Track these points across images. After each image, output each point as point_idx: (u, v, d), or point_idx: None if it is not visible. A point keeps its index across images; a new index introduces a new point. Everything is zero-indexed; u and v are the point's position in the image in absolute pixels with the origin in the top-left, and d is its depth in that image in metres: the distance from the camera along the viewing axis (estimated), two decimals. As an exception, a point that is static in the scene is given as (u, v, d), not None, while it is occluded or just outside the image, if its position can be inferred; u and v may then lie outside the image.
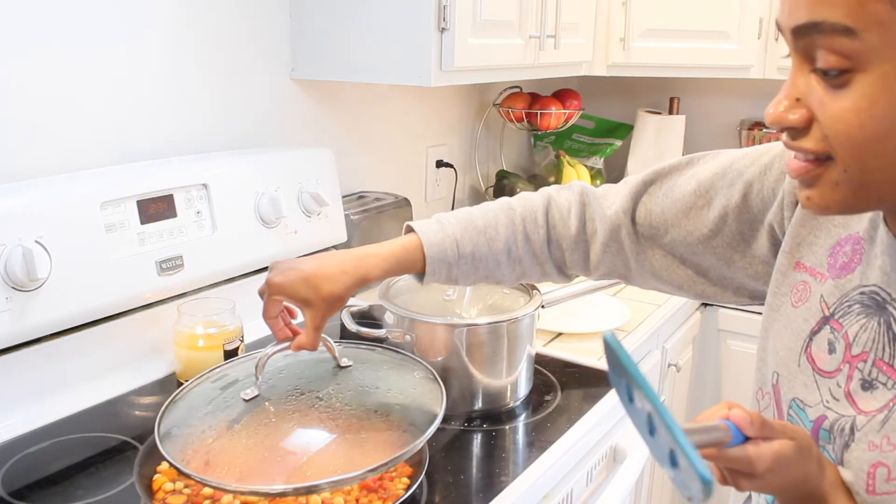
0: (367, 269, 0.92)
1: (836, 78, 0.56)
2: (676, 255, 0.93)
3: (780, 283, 0.78)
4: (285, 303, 0.95)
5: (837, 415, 0.68)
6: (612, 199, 0.96)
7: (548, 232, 0.98)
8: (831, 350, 0.70)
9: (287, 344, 0.95)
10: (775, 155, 0.82)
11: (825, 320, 0.71)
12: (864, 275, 0.69)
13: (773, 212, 0.81)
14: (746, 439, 0.62)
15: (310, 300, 0.91)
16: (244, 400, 0.92)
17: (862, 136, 0.56)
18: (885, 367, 0.65)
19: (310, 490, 0.81)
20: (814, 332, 0.72)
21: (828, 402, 0.69)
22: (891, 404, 0.64)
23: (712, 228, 0.88)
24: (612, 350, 0.60)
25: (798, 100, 0.59)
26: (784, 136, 0.61)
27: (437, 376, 0.97)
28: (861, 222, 0.71)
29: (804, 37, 0.57)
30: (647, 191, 0.94)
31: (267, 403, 0.92)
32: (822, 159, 0.59)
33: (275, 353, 0.95)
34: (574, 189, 0.99)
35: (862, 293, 0.69)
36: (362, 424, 0.90)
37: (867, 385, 0.66)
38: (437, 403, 0.92)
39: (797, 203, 0.77)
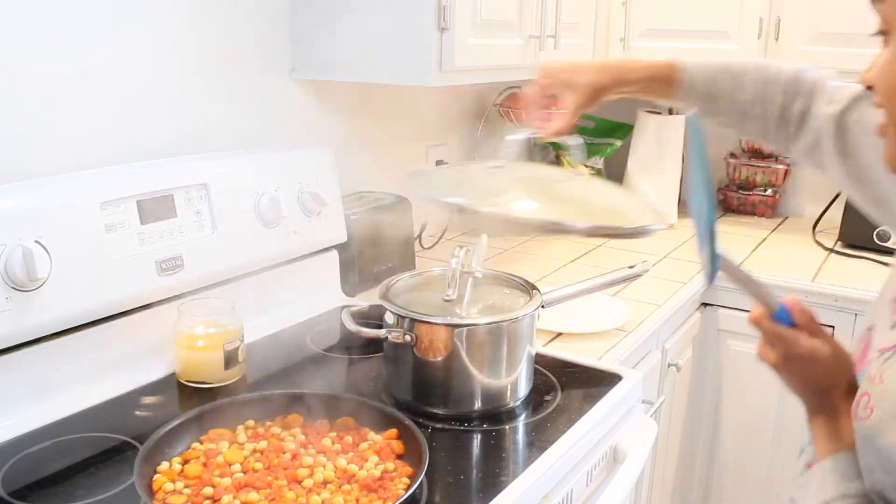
0: (626, 70, 1.01)
1: (884, 38, 0.66)
2: (861, 178, 0.94)
3: None
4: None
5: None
6: (839, 95, 0.98)
7: (783, 103, 1.01)
8: (886, 323, 0.73)
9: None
10: None
11: None
12: None
13: None
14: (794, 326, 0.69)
15: (574, 82, 0.97)
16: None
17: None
18: None
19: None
20: None
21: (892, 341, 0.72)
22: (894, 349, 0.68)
23: None
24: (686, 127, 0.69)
25: (874, 63, 0.68)
26: None
27: None
28: None
29: (872, 4, 0.67)
30: (865, 98, 0.94)
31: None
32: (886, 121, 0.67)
33: (529, 136, 0.98)
34: (817, 73, 1.02)
35: None
36: None
37: None
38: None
39: None
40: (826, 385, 0.70)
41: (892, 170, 0.70)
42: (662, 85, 1.01)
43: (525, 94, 1.01)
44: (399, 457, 0.98)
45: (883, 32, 0.66)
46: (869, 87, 0.69)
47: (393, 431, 1.02)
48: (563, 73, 0.98)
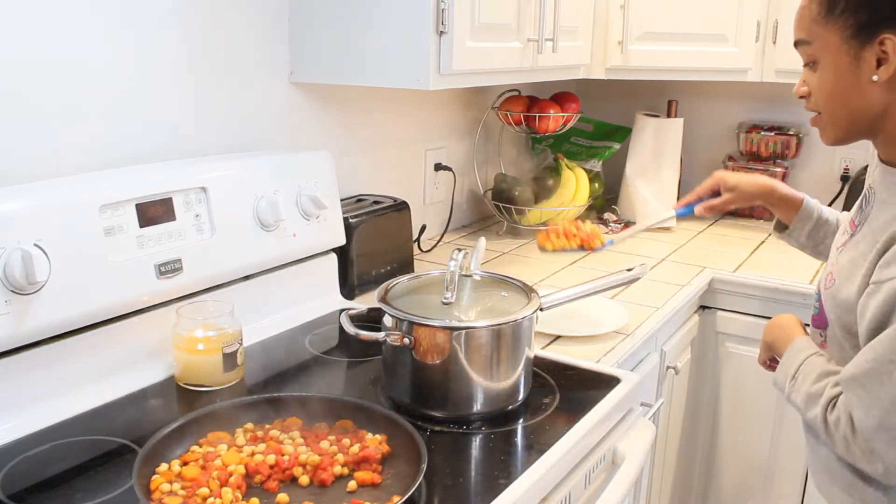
0: (773, 190, 1.41)
1: (812, 67, 1.06)
2: None
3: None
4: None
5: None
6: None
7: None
8: (843, 233, 1.13)
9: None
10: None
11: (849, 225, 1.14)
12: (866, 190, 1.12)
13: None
14: None
15: (739, 188, 1.43)
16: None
17: (828, 97, 1.05)
18: (851, 225, 1.10)
19: None
20: (841, 239, 1.13)
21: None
22: (846, 243, 1.09)
23: None
24: None
25: (804, 81, 1.09)
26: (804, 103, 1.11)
27: None
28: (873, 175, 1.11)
29: (797, 47, 1.08)
30: None
31: None
32: (819, 113, 1.08)
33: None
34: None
35: (863, 197, 1.11)
36: None
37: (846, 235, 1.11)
38: None
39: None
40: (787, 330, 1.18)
41: (827, 144, 1.10)
42: (791, 208, 1.39)
43: (701, 186, 1.47)
44: (387, 459, 0.99)
45: (809, 63, 1.07)
46: (801, 97, 1.09)
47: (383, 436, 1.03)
48: (732, 180, 1.43)
